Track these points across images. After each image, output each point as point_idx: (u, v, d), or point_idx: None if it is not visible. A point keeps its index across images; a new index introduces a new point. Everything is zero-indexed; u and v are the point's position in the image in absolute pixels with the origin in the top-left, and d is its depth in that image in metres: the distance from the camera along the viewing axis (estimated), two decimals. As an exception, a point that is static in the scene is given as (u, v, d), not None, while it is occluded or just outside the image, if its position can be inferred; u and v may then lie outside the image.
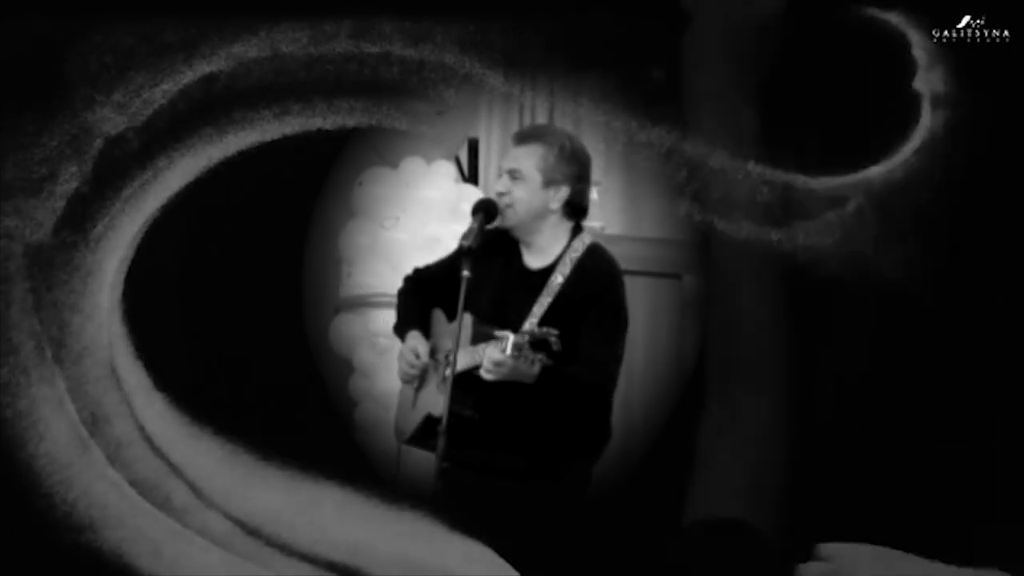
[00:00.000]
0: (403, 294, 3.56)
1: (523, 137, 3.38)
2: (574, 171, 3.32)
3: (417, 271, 3.58)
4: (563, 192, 3.30)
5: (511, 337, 3.00)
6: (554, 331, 2.99)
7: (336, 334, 5.03)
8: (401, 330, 3.48)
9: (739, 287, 4.57)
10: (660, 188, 4.51)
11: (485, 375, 3.09)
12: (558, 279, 3.27)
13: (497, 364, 3.04)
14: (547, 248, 3.34)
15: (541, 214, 3.31)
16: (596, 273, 3.30)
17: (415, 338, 3.41)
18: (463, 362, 3.17)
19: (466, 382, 3.17)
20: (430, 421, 3.27)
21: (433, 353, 3.40)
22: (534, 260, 3.36)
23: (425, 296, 3.50)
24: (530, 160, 3.29)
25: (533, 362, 2.99)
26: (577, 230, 3.37)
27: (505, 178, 3.31)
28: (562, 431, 3.24)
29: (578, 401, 3.20)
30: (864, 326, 4.15)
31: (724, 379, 4.61)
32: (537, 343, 2.99)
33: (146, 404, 3.91)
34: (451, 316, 3.36)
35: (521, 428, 3.23)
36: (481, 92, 4.43)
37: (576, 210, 3.36)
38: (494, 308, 3.27)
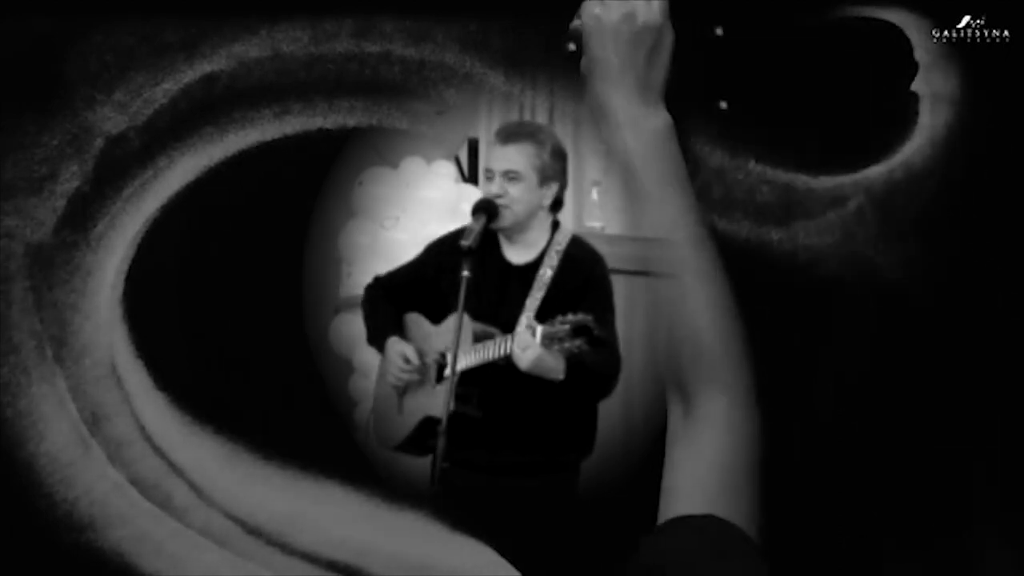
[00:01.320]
0: (370, 302, 3.51)
1: (510, 136, 3.33)
2: (562, 167, 3.34)
3: (378, 279, 3.54)
4: (554, 189, 3.30)
5: (540, 326, 2.98)
6: (589, 316, 2.97)
7: (336, 334, 5.01)
8: (378, 339, 3.44)
9: (739, 287, 4.56)
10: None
11: (517, 363, 3.04)
12: (547, 272, 3.26)
13: (524, 348, 3.01)
14: (532, 243, 3.34)
15: (534, 212, 3.31)
16: (584, 263, 3.30)
17: (399, 343, 3.37)
18: (463, 362, 3.16)
19: (466, 381, 3.16)
20: (428, 423, 3.26)
21: (420, 356, 3.37)
22: (516, 255, 3.34)
23: (395, 302, 3.47)
24: (524, 159, 3.26)
25: (571, 350, 2.96)
26: (555, 223, 3.37)
27: (499, 179, 3.27)
28: (563, 426, 3.25)
29: (596, 391, 3.22)
30: (864, 326, 4.14)
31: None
32: (578, 329, 2.96)
33: (146, 404, 3.91)
34: (433, 318, 3.35)
35: (523, 425, 3.23)
36: (481, 92, 4.43)
37: (556, 204, 3.37)
38: (487, 306, 3.26)
